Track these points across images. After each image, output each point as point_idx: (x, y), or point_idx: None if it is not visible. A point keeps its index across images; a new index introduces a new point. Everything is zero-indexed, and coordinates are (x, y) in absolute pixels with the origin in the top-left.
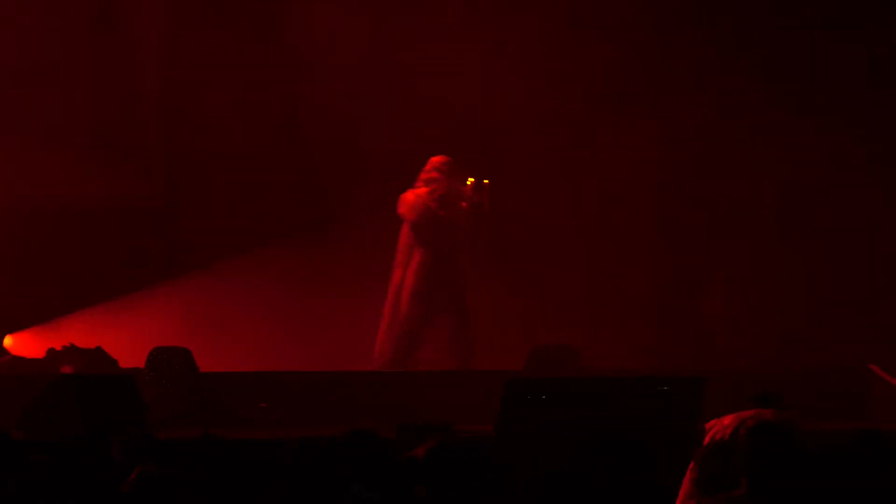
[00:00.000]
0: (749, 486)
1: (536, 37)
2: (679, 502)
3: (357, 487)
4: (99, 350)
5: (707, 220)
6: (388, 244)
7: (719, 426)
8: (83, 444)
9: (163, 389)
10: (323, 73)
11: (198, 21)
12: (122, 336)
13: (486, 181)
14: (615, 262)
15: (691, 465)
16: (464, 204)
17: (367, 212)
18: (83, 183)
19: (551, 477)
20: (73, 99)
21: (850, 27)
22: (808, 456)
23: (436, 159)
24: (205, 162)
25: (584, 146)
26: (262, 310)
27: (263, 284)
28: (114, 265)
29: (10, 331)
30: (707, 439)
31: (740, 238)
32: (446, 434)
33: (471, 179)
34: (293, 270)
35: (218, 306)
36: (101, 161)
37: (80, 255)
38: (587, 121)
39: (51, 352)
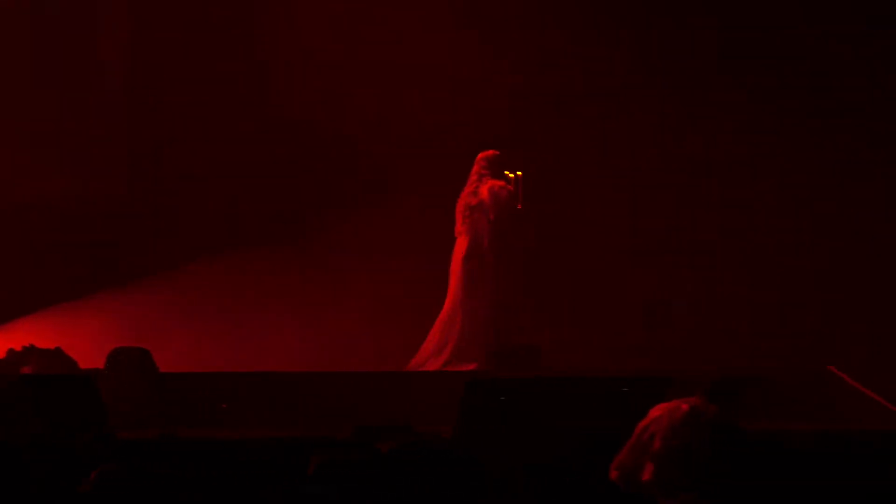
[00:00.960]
0: (707, 487)
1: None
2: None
3: (314, 487)
4: (58, 351)
5: (678, 220)
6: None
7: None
8: (43, 444)
9: (122, 390)
10: (294, 75)
11: (162, 22)
12: (81, 337)
13: (519, 173)
14: (589, 262)
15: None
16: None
17: (340, 217)
18: (43, 183)
19: (512, 476)
20: (35, 98)
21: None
22: (764, 456)
23: (489, 153)
24: (169, 165)
25: (560, 143)
26: (220, 311)
27: (223, 286)
28: (74, 266)
29: None
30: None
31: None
32: (406, 435)
33: (509, 173)
34: (254, 274)
35: (177, 307)
36: (60, 161)
37: (39, 256)
38: (565, 116)
39: (10, 352)
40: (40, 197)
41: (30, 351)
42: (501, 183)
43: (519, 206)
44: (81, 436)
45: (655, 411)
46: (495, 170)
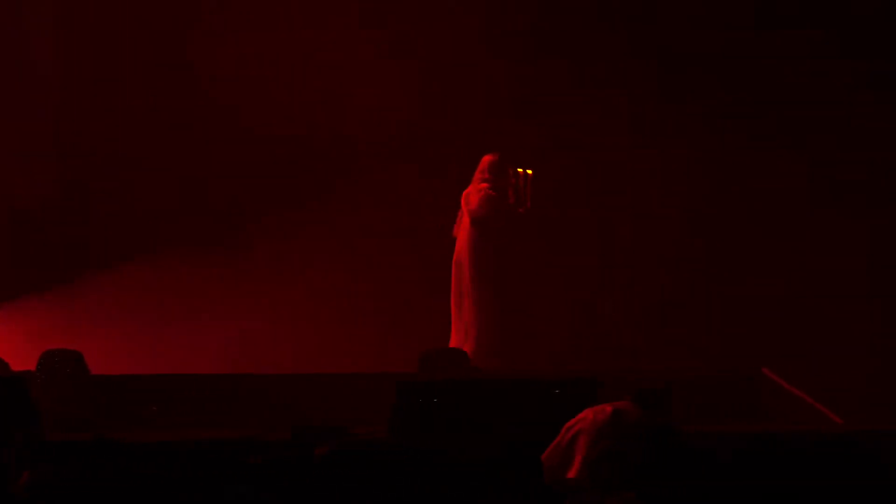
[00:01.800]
0: (641, 487)
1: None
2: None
3: (246, 488)
4: None
5: (604, 223)
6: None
7: (580, 418)
8: None
9: (54, 392)
10: (224, 84)
11: (94, 22)
12: (12, 338)
13: (529, 172)
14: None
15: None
16: (511, 193)
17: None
18: None
19: (444, 477)
20: None
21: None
22: (699, 457)
23: (490, 157)
24: (102, 166)
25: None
26: (153, 312)
27: (154, 288)
28: (5, 268)
29: None
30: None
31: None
32: (342, 436)
33: (521, 170)
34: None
35: (109, 309)
36: None
37: None
38: (486, 126)
39: None
40: None
41: None
42: (483, 186)
43: (520, 209)
44: (13, 438)
45: (584, 413)
46: (495, 172)
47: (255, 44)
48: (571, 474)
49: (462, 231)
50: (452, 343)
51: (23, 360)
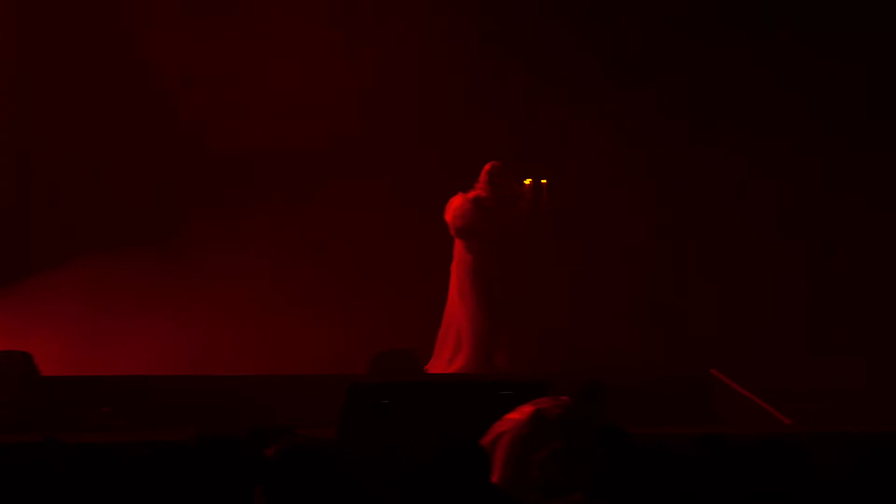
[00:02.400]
0: (588, 490)
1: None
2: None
3: (204, 491)
4: None
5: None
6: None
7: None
8: None
9: (3, 393)
10: (174, 85)
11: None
12: None
13: (543, 181)
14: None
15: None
16: (522, 204)
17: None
18: None
19: (394, 479)
20: None
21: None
22: (648, 460)
23: (489, 164)
24: (41, 166)
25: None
26: (104, 313)
27: (102, 289)
28: None
29: None
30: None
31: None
32: (290, 437)
33: (528, 180)
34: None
35: (59, 310)
36: None
37: None
38: (438, 125)
39: None
40: None
41: None
42: (470, 195)
43: (523, 215)
44: None
45: (509, 414)
46: (495, 181)
47: (204, 43)
48: (494, 478)
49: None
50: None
51: None
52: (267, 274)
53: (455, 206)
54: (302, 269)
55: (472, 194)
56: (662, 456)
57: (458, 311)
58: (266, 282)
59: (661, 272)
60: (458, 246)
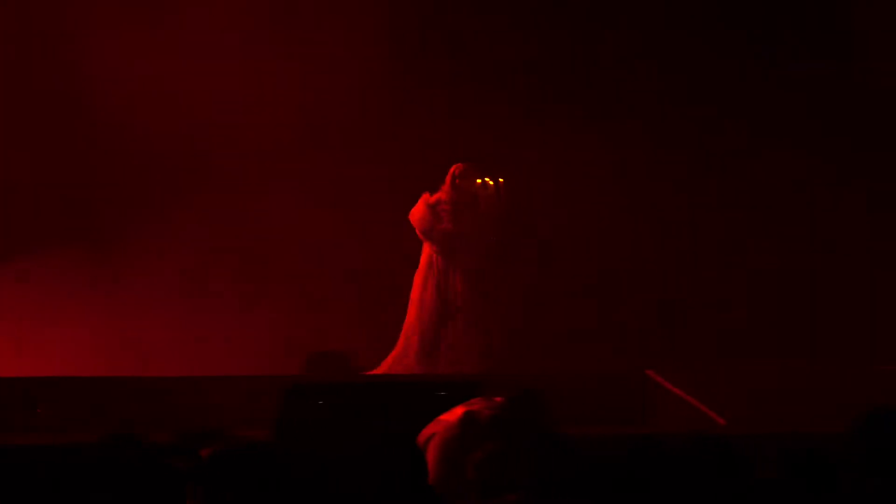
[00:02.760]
0: (523, 492)
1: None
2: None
3: (114, 495)
4: None
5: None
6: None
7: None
8: None
9: None
10: (105, 87)
11: None
12: None
13: (501, 180)
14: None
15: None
16: (483, 205)
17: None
18: None
19: (330, 482)
20: None
21: None
22: (582, 461)
23: (454, 167)
24: None
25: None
26: (35, 313)
27: (34, 288)
28: None
29: None
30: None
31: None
32: (224, 440)
33: (488, 180)
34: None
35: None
36: None
37: None
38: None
39: None
40: None
41: None
42: (435, 197)
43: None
44: None
45: (444, 416)
46: (457, 182)
47: (128, 41)
48: (429, 480)
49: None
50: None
51: None
52: (195, 272)
53: (415, 209)
54: (229, 268)
55: (434, 197)
56: (597, 456)
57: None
58: (195, 280)
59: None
60: (424, 247)
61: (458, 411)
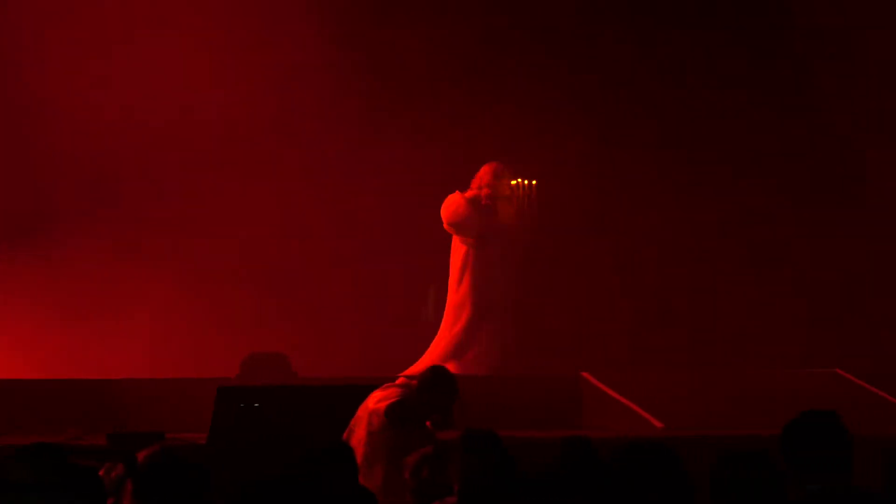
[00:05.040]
0: (460, 494)
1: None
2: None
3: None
4: None
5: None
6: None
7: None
8: None
9: None
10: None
11: None
12: None
13: (534, 182)
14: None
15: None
16: (513, 205)
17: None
18: None
19: (264, 484)
20: None
21: None
22: (516, 463)
23: (490, 165)
24: None
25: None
26: None
27: None
28: None
29: None
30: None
31: None
32: (160, 442)
33: (516, 181)
34: None
35: None
36: None
37: None
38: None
39: None
40: None
41: None
42: (471, 194)
43: (525, 221)
44: None
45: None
46: (489, 181)
47: (68, 41)
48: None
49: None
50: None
51: None
52: (137, 274)
53: (450, 203)
54: (173, 271)
55: (469, 194)
56: (531, 458)
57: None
58: (137, 283)
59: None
60: (453, 244)
61: (362, 406)
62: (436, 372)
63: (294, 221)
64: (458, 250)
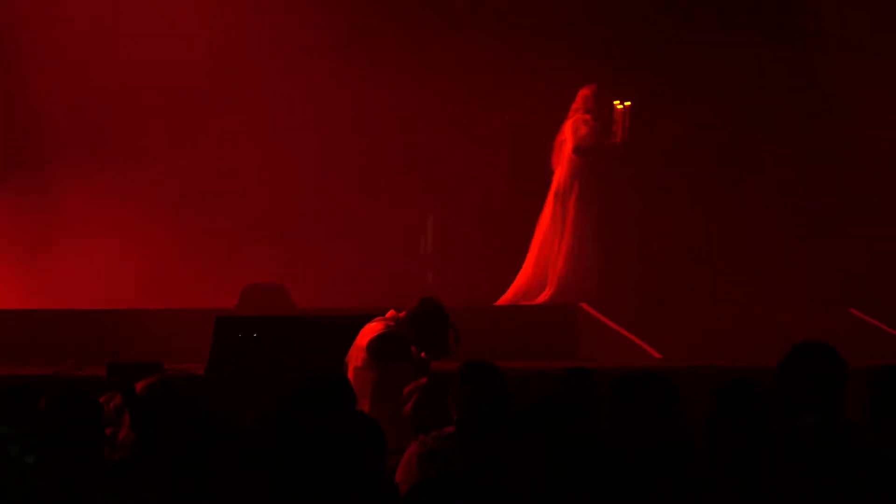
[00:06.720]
0: (459, 424)
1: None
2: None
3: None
4: None
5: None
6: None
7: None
8: None
9: None
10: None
11: None
12: None
13: (628, 104)
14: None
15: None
16: (616, 130)
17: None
18: None
19: (262, 414)
20: None
21: None
22: (513, 394)
23: (588, 89)
24: None
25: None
26: None
27: None
28: None
29: None
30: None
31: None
32: (158, 373)
33: (617, 104)
34: None
35: None
36: None
37: None
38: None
39: None
40: None
41: None
42: (585, 117)
43: (617, 140)
44: None
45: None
46: (588, 105)
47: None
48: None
49: (563, 162)
50: (525, 276)
51: None
52: (136, 208)
53: (571, 127)
54: (169, 207)
55: (577, 116)
56: (529, 389)
57: (558, 238)
58: (134, 215)
59: None
60: (564, 176)
61: (362, 336)
62: (424, 303)
63: (290, 153)
64: (564, 171)
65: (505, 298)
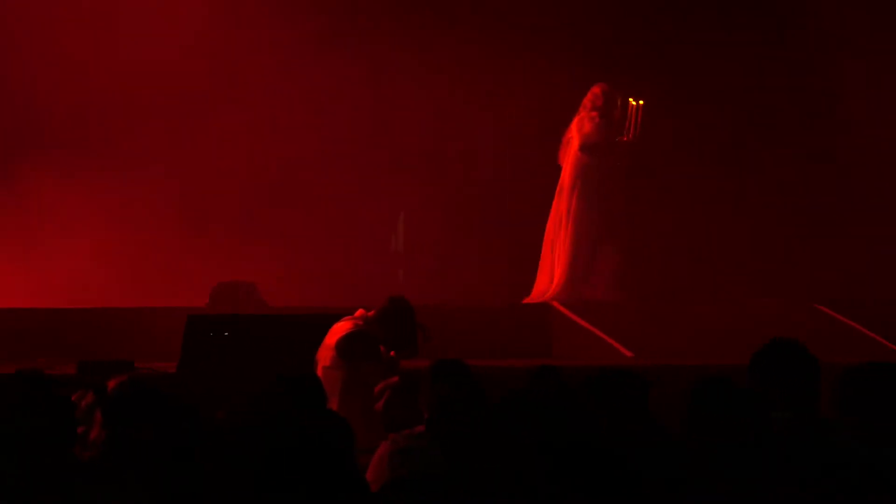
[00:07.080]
0: (429, 422)
1: None
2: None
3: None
4: None
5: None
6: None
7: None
8: None
9: None
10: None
11: None
12: None
13: (641, 102)
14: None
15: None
16: (629, 127)
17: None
18: None
19: (232, 413)
20: None
21: None
22: (484, 392)
23: (598, 87)
24: None
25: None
26: None
27: None
28: None
29: None
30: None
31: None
32: (129, 371)
33: (631, 100)
34: None
35: None
36: None
37: None
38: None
39: None
40: None
41: None
42: (591, 114)
43: (625, 138)
44: None
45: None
46: (597, 102)
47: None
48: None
49: (569, 158)
50: (543, 275)
51: None
52: (109, 206)
53: (577, 125)
54: (148, 202)
55: (584, 114)
56: (500, 387)
57: (561, 235)
58: (107, 213)
59: None
60: (569, 173)
61: (331, 335)
62: (393, 302)
63: (265, 152)
64: (569, 168)
65: (530, 298)
